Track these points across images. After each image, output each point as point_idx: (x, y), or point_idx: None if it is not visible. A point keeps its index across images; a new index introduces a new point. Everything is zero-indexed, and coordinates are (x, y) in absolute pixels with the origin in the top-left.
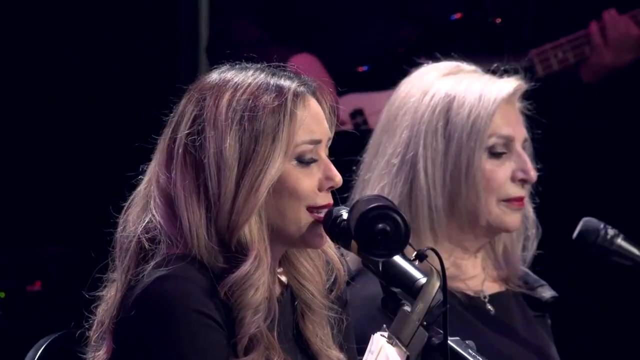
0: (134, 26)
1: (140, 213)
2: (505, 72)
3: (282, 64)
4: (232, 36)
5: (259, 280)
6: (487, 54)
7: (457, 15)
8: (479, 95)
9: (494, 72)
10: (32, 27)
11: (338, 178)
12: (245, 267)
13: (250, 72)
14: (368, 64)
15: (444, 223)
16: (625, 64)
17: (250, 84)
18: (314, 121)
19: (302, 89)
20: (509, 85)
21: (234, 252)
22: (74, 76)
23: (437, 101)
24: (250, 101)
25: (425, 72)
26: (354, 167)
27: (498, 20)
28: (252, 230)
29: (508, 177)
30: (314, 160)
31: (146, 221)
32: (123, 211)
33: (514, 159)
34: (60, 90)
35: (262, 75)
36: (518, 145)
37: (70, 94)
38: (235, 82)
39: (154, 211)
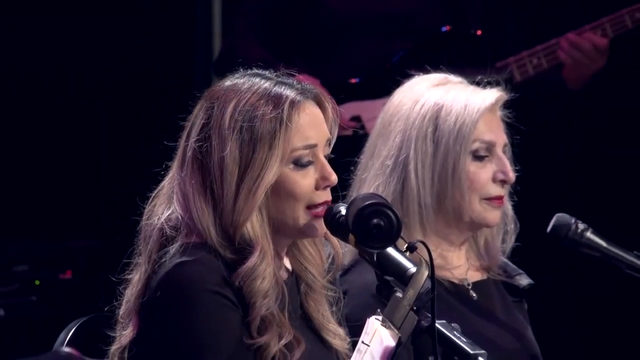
0: (134, 26)
1: (164, 205)
2: (488, 84)
3: (288, 71)
4: (238, 55)
5: (264, 271)
6: (472, 66)
7: (447, 28)
8: (464, 104)
9: (478, 84)
10: (33, 28)
11: (333, 177)
12: (252, 260)
13: (257, 80)
14: (360, 77)
15: (432, 219)
16: (604, 65)
17: (253, 93)
18: (310, 127)
19: (299, 97)
20: (492, 95)
21: (238, 246)
22: (74, 77)
23: (427, 109)
24: (250, 112)
25: (416, 83)
26: (352, 168)
27: (479, 32)
28: (255, 228)
29: (489, 178)
30: (311, 163)
31: (169, 212)
32: (148, 203)
33: (495, 161)
34: (61, 91)
35: (266, 85)
36: (499, 150)
37: (70, 94)
38: (240, 92)
39: (175, 205)
